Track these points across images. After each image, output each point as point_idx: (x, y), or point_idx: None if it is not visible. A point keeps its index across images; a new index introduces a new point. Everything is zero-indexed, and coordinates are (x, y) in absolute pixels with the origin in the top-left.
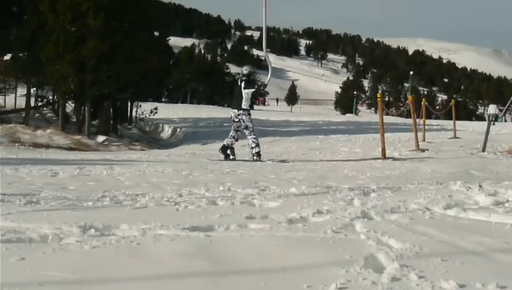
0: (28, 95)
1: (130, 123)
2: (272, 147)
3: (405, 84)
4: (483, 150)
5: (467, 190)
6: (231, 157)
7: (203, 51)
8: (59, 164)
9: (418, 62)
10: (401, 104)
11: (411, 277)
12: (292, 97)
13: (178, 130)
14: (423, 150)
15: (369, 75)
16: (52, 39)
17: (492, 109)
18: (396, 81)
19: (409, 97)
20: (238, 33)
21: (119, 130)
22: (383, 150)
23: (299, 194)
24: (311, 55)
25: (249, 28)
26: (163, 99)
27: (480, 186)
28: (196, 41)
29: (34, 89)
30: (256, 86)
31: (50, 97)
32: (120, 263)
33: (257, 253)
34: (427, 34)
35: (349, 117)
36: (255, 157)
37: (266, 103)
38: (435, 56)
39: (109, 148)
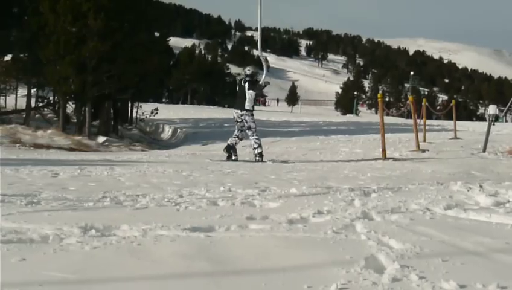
0: (28, 96)
1: (130, 124)
2: (272, 148)
3: (405, 85)
4: (484, 151)
5: (468, 191)
6: (233, 158)
7: (203, 52)
8: (60, 164)
9: (419, 62)
10: (401, 105)
11: (412, 278)
12: (292, 98)
13: (178, 130)
14: (424, 151)
15: (370, 75)
16: (52, 40)
17: (492, 109)
18: (396, 82)
19: (410, 97)
20: (238, 33)
21: (120, 130)
22: (384, 150)
23: (299, 195)
24: (312, 55)
25: (250, 29)
26: (163, 100)
27: (480, 186)
28: (196, 41)
29: (35, 89)
30: (261, 87)
31: (50, 98)
32: (121, 263)
33: (257, 253)
34: (428, 35)
35: (350, 117)
36: (257, 158)
37: (267, 104)
38: (436, 56)
39: (110, 149)
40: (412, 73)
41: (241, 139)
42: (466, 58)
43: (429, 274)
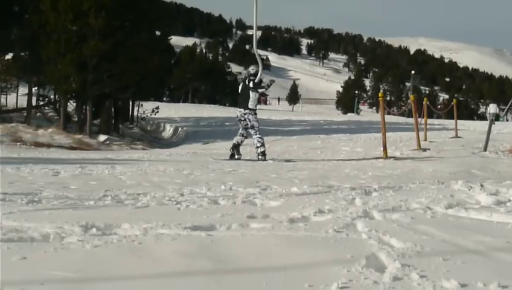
0: (29, 95)
1: (131, 122)
2: (273, 146)
3: (406, 84)
4: (485, 150)
5: (469, 190)
6: (236, 156)
7: (204, 50)
8: (60, 163)
9: (420, 61)
10: (402, 104)
11: (412, 277)
12: (293, 96)
13: (179, 129)
14: (425, 150)
15: (371, 74)
16: (53, 38)
17: (492, 108)
18: (397, 81)
19: (411, 96)
20: (239, 32)
21: (121, 129)
22: (385, 149)
23: (300, 194)
24: (313, 54)
25: (251, 28)
26: (164, 99)
27: (481, 185)
28: (197, 40)
29: (36, 88)
30: (267, 86)
31: (51, 96)
32: (121, 262)
33: (258, 252)
34: (429, 34)
35: (351, 116)
36: (260, 157)
37: (268, 102)
38: (437, 55)
39: (111, 148)
40: (413, 72)
41: (246, 138)
42: (467, 57)
43: (430, 273)
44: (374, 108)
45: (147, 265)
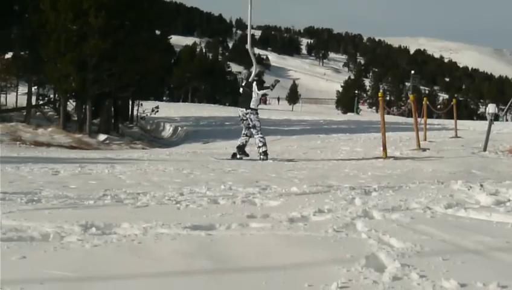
0: (29, 94)
1: (131, 122)
2: (273, 146)
3: (406, 84)
4: (485, 150)
5: (468, 189)
6: (238, 156)
7: (204, 50)
8: (60, 162)
9: (420, 61)
10: (402, 104)
11: (412, 276)
12: (293, 96)
13: (179, 128)
14: (424, 150)
15: (371, 74)
16: (53, 38)
17: (491, 108)
18: (397, 81)
19: (410, 96)
20: (239, 32)
21: (121, 128)
22: (384, 149)
23: (300, 193)
24: (313, 54)
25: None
26: (164, 98)
27: (481, 185)
28: (197, 40)
29: (35, 87)
30: (272, 87)
31: (51, 96)
32: (121, 261)
33: (258, 252)
34: (429, 33)
35: (351, 116)
36: (261, 157)
37: (267, 102)
38: (436, 55)
39: (110, 147)
40: (412, 72)
41: (250, 137)
42: (467, 57)
43: (430, 273)
44: (374, 108)
45: (146, 264)
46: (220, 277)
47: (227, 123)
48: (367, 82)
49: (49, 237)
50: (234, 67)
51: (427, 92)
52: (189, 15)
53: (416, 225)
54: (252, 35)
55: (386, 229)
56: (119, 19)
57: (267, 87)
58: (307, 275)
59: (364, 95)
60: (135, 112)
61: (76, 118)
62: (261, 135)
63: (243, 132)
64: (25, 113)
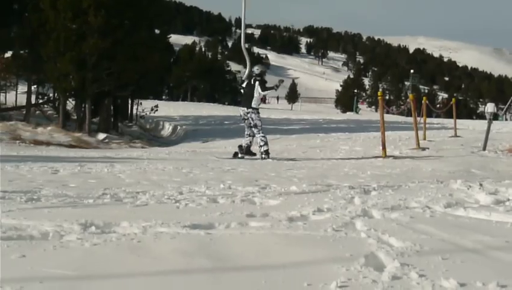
0: (28, 93)
1: (130, 121)
2: (272, 145)
3: (406, 83)
4: (484, 149)
5: (468, 189)
6: (239, 155)
7: (203, 49)
8: (60, 161)
9: (419, 60)
10: (401, 103)
11: (411, 276)
12: (293, 95)
13: (178, 127)
14: (424, 149)
15: (370, 73)
16: (53, 37)
17: (490, 107)
18: (396, 80)
19: (410, 95)
20: (238, 31)
21: (120, 127)
22: (384, 148)
23: (299, 192)
24: (312, 53)
25: (250, 26)
26: (163, 97)
27: (480, 185)
28: (197, 39)
29: (35, 86)
30: (275, 87)
31: (51, 95)
32: (121, 260)
33: (257, 251)
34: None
35: (350, 115)
36: (263, 156)
37: (267, 101)
38: (436, 54)
39: (110, 146)
40: (412, 71)
41: (253, 137)
42: (466, 56)
43: (429, 272)
44: (373, 107)
45: (146, 263)
46: (219, 275)
47: (226, 122)
48: (366, 81)
49: (48, 236)
50: (233, 66)
51: (426, 91)
52: (189, 14)
53: (416, 224)
54: (252, 34)
55: (385, 229)
56: (118, 18)
57: (271, 88)
58: (306, 274)
59: (364, 94)
60: (134, 111)
61: (75, 117)
62: (262, 134)
63: (246, 132)
64: (24, 112)
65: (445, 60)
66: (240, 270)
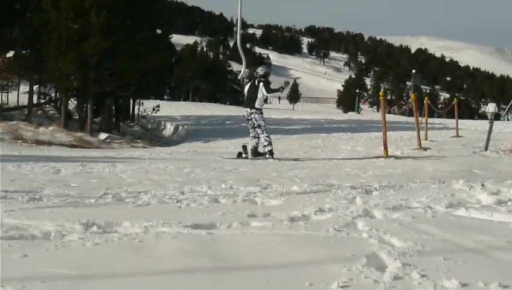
0: (30, 92)
1: (132, 121)
2: (274, 145)
3: (407, 83)
4: (486, 149)
5: (469, 189)
6: (243, 155)
7: (205, 49)
8: (61, 161)
9: (421, 60)
10: (403, 103)
11: (413, 276)
12: (294, 95)
13: (180, 127)
14: (425, 149)
15: (372, 73)
16: (54, 37)
17: (491, 107)
18: (398, 80)
19: (412, 96)
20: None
21: (122, 127)
22: (385, 148)
23: (301, 192)
24: (314, 53)
25: (252, 26)
26: (165, 97)
27: (482, 185)
28: (198, 39)
29: (37, 86)
30: (281, 89)
31: (52, 94)
32: (122, 260)
33: (259, 251)
34: (430, 33)
35: (351, 115)
36: (267, 156)
37: (268, 101)
38: (438, 54)
39: (111, 146)
40: (413, 71)
41: (259, 138)
42: (468, 56)
43: (431, 272)
44: (375, 107)
45: (147, 263)
46: (220, 275)
47: (228, 122)
48: (368, 81)
49: (50, 236)
50: (235, 66)
51: (428, 91)
52: (190, 14)
53: (417, 225)
54: (254, 34)
55: (387, 229)
56: (120, 18)
57: (277, 90)
58: (307, 274)
59: (365, 94)
60: (136, 111)
61: (77, 117)
62: (266, 134)
63: (251, 134)
64: (26, 112)
65: (447, 60)
66: (241, 270)
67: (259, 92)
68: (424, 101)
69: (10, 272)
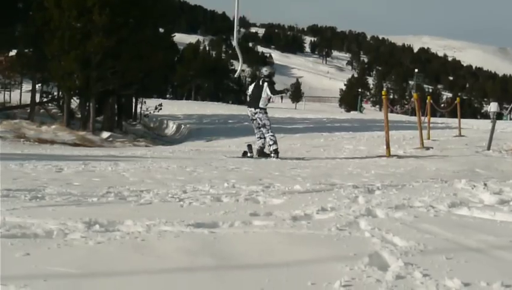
0: (33, 91)
1: (134, 119)
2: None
3: (410, 82)
4: (488, 149)
5: (472, 188)
6: (249, 154)
7: (207, 48)
8: (64, 159)
9: (423, 60)
10: (406, 102)
11: (415, 275)
12: (297, 94)
13: (182, 126)
14: (428, 148)
15: (374, 72)
16: (57, 35)
17: (493, 107)
18: (401, 79)
19: (414, 95)
20: (242, 30)
21: (124, 126)
22: (388, 147)
23: (303, 192)
24: (316, 52)
25: (254, 25)
26: (167, 96)
27: (485, 184)
28: (201, 38)
29: (39, 85)
30: (286, 90)
31: (55, 93)
32: (124, 258)
33: (261, 250)
34: (432, 32)
35: (354, 114)
36: (272, 155)
37: (271, 100)
38: (440, 54)
39: (114, 145)
40: (416, 70)
41: (264, 138)
42: (471, 55)
43: (433, 272)
44: (377, 106)
45: (150, 262)
46: (223, 274)
47: (230, 121)
48: (370, 80)
49: (52, 234)
50: (237, 66)
51: (430, 90)
52: (193, 13)
53: (420, 224)
54: (256, 33)
55: (389, 228)
56: (123, 17)
57: (282, 91)
58: (310, 273)
59: (368, 94)
60: (138, 110)
61: (79, 116)
62: (271, 134)
63: (256, 135)
64: (28, 111)
65: (450, 59)
66: (243, 269)
67: (263, 92)
68: (427, 101)
69: (12, 271)
